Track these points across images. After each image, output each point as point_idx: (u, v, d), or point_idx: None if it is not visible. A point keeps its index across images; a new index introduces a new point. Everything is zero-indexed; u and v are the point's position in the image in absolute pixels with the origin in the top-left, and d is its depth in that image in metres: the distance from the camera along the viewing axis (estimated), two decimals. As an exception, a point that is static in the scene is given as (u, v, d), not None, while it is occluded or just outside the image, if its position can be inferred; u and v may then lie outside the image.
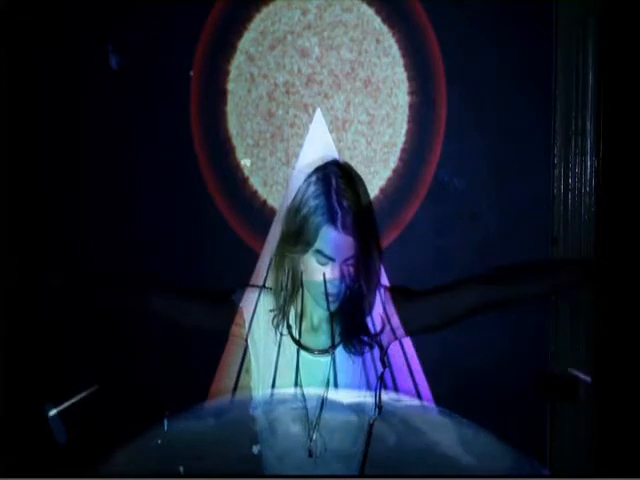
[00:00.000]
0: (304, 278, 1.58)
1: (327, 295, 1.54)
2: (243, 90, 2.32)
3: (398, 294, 1.70)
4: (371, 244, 1.60)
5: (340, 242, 1.50)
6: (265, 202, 2.30)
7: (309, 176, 1.58)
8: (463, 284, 1.71)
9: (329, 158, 1.66)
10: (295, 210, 1.56)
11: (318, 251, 1.52)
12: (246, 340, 1.67)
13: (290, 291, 1.63)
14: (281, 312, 1.64)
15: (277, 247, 1.63)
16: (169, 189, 2.34)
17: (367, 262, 1.58)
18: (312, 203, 1.53)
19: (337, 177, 1.55)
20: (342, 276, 1.53)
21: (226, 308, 1.68)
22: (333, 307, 1.58)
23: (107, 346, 2.29)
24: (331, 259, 1.52)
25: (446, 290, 1.70)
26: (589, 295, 2.12)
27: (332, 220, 1.50)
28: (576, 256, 2.18)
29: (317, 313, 1.65)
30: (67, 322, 2.34)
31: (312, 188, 1.55)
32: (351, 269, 1.54)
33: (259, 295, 1.68)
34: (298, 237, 1.54)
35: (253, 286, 1.73)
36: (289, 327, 1.65)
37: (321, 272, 1.53)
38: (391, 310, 1.67)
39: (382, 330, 1.66)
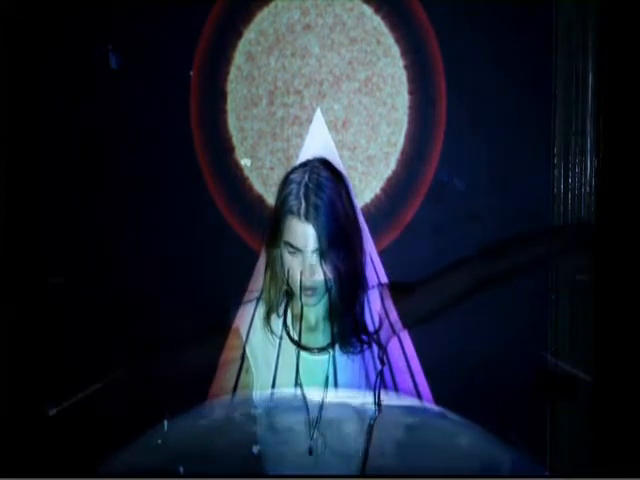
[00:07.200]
0: (285, 274, 1.58)
1: (302, 288, 1.55)
2: (243, 90, 2.32)
3: (396, 290, 1.70)
4: (346, 239, 1.58)
5: (304, 232, 1.51)
6: (265, 202, 2.30)
7: (289, 172, 1.60)
8: (458, 265, 1.71)
9: (317, 157, 1.66)
10: (274, 205, 1.60)
11: (287, 242, 1.53)
12: (242, 357, 1.67)
13: (282, 290, 1.63)
14: (275, 313, 1.64)
15: (265, 248, 1.64)
16: (169, 189, 2.34)
17: (343, 255, 1.57)
18: (282, 195, 1.56)
19: (311, 172, 1.56)
20: (313, 268, 1.53)
21: (218, 338, 1.69)
22: (313, 301, 1.58)
23: (107, 346, 2.29)
24: (298, 249, 1.53)
25: (441, 274, 1.70)
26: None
27: (296, 210, 1.51)
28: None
29: (313, 312, 1.65)
30: (67, 322, 2.34)
31: (286, 182, 1.57)
32: (322, 261, 1.53)
33: (257, 304, 1.68)
34: (272, 229, 1.57)
35: (248, 293, 1.74)
36: (286, 327, 1.65)
37: (294, 265, 1.54)
38: (390, 306, 1.66)
39: (380, 327, 1.66)
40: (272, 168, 2.31)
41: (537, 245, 1.74)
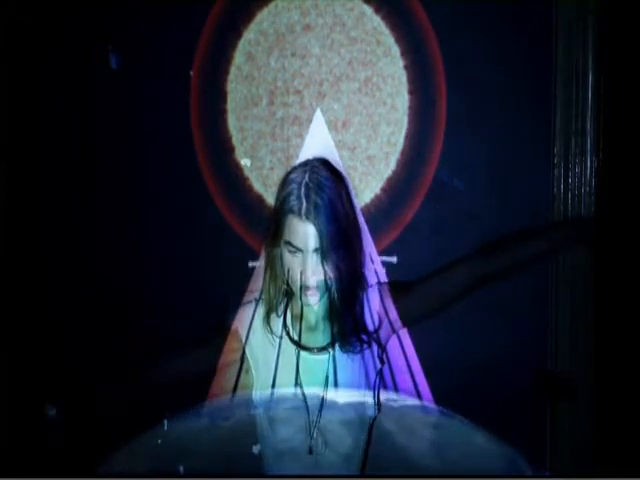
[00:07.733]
0: (285, 273, 1.58)
1: (302, 288, 1.55)
2: (243, 90, 2.32)
3: (396, 288, 1.70)
4: (346, 238, 1.58)
5: (305, 231, 1.51)
6: (265, 202, 2.30)
7: (289, 172, 1.60)
8: (456, 263, 1.71)
9: (317, 157, 1.65)
10: (274, 205, 1.59)
11: (287, 242, 1.53)
12: (242, 357, 1.67)
13: (281, 290, 1.63)
14: (275, 313, 1.64)
15: (265, 247, 1.63)
16: (169, 189, 2.34)
17: (343, 255, 1.57)
18: (282, 194, 1.55)
19: (312, 172, 1.56)
20: (313, 267, 1.53)
21: (218, 338, 1.68)
22: (313, 301, 1.57)
23: (107, 346, 2.29)
24: (299, 249, 1.52)
25: (440, 272, 1.70)
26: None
27: (297, 209, 1.51)
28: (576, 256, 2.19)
29: (313, 311, 1.65)
30: (68, 322, 2.34)
31: (286, 182, 1.57)
32: (322, 260, 1.53)
33: (256, 304, 1.67)
34: (272, 229, 1.57)
35: (248, 293, 1.74)
36: (286, 327, 1.65)
37: (294, 264, 1.54)
38: (389, 304, 1.66)
39: (379, 326, 1.66)
40: (272, 168, 2.31)
41: (537, 240, 1.74)
